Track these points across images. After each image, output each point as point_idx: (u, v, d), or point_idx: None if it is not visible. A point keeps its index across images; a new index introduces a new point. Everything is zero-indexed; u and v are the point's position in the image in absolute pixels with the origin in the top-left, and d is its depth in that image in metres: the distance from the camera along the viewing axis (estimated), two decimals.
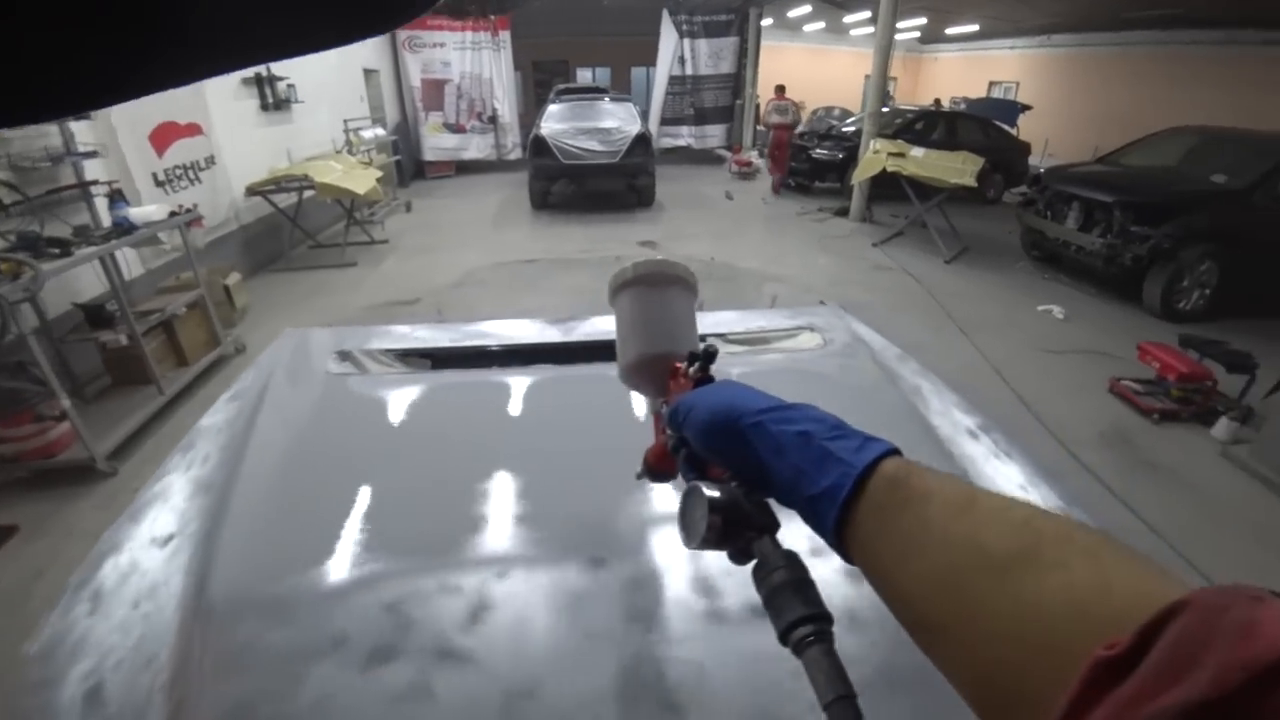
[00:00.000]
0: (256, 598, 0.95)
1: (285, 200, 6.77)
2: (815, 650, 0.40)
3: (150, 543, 1.10)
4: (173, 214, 4.21)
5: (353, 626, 0.89)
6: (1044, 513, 0.36)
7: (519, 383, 1.56)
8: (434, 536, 1.06)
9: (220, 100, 6.02)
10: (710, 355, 0.62)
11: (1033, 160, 11.19)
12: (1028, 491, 1.25)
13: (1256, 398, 3.87)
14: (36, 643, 0.93)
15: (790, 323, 1.98)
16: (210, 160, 5.80)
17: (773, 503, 0.49)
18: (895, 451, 0.44)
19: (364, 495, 1.17)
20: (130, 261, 4.58)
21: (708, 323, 2.03)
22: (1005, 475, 1.28)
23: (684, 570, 0.96)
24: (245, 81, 6.68)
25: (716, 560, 0.95)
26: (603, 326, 1.97)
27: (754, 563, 0.47)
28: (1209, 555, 2.82)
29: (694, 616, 0.89)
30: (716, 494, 0.48)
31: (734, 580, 0.93)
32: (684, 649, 0.85)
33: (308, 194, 6.64)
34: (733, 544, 0.48)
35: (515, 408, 1.46)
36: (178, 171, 5.32)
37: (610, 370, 1.61)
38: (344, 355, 1.73)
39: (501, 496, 1.16)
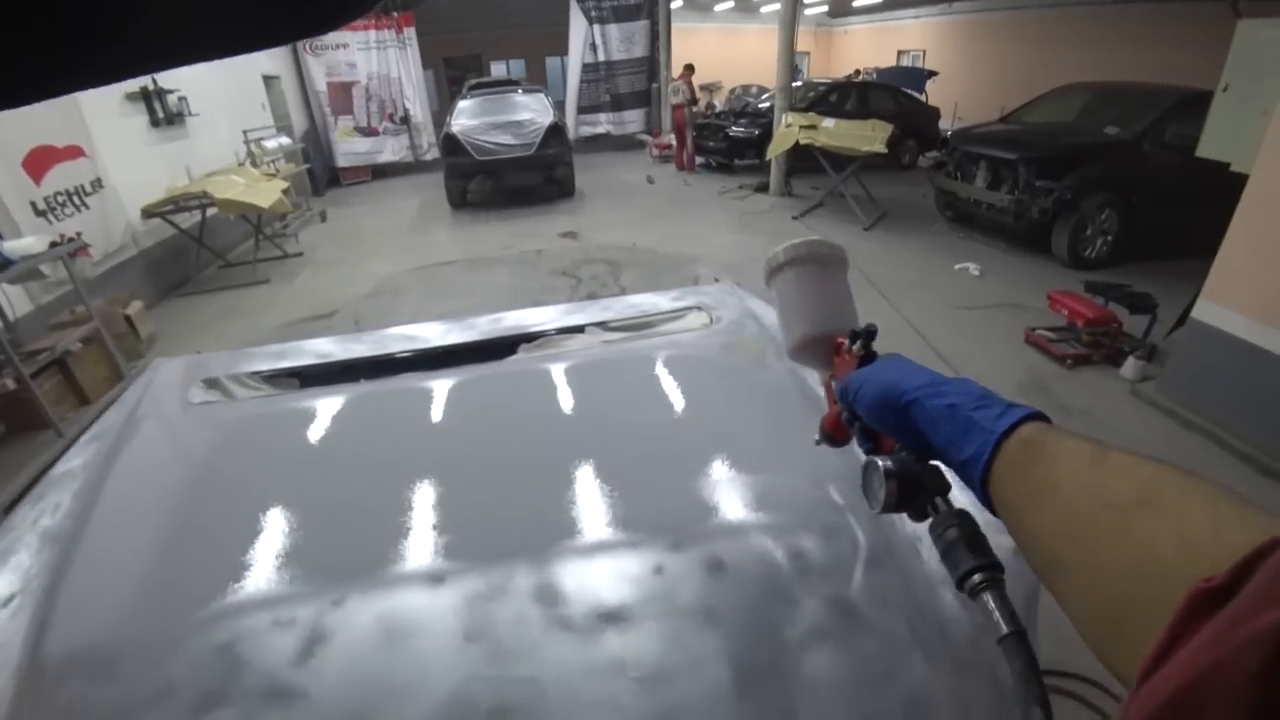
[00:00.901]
0: (85, 654, 0.88)
1: (187, 220, 6.42)
2: (988, 594, 0.45)
3: None
4: (54, 244, 3.93)
5: (180, 675, 0.83)
6: (1173, 467, 0.37)
7: (386, 393, 1.52)
8: (273, 569, 0.99)
9: (103, 119, 5.63)
10: (871, 334, 0.65)
11: (943, 124, 11.51)
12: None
13: (1159, 336, 4.08)
14: None
15: (677, 304, 1.95)
16: (97, 183, 5.43)
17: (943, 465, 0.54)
18: (1037, 415, 0.46)
19: (216, 531, 1.09)
20: (15, 299, 4.25)
21: (594, 311, 1.99)
22: None
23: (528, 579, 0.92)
24: (130, 97, 6.28)
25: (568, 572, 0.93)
26: (481, 326, 1.92)
27: (929, 520, 0.53)
28: None
29: (540, 629, 0.86)
30: (890, 464, 0.54)
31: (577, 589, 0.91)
32: (520, 666, 0.82)
33: (211, 212, 6.30)
34: (910, 506, 0.55)
35: (381, 420, 1.42)
36: (60, 198, 4.96)
37: (485, 370, 1.56)
38: (210, 383, 1.63)
39: (358, 513, 1.11)
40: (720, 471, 1.14)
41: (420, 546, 1.00)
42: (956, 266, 5.88)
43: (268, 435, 1.40)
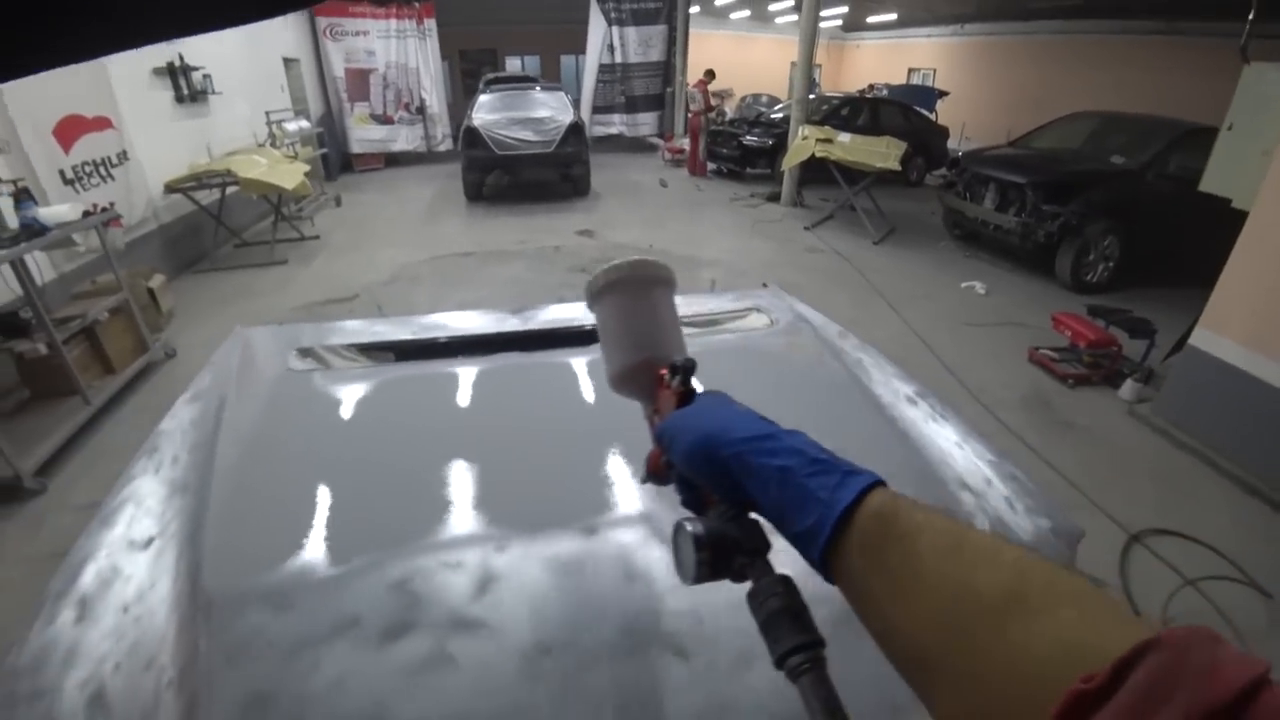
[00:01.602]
0: (256, 589, 0.96)
1: (207, 197, 6.48)
2: (808, 679, 0.41)
3: (129, 546, 1.09)
4: (87, 213, 3.99)
5: (361, 607, 0.92)
6: (1029, 554, 0.37)
7: (489, 370, 1.58)
8: (425, 519, 1.09)
9: (130, 92, 5.70)
10: (689, 369, 0.61)
11: (951, 143, 11.70)
12: (961, 449, 1.38)
13: (1157, 360, 4.23)
14: (22, 654, 0.91)
15: (738, 305, 2.07)
16: (123, 156, 5.50)
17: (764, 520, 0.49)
18: (880, 483, 0.44)
19: (347, 486, 1.19)
20: (41, 266, 4.32)
21: None
22: (942, 435, 1.41)
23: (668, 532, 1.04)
24: (158, 72, 6.35)
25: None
26: (562, 314, 2.01)
27: (749, 587, 0.47)
28: (1120, 503, 3.08)
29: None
30: (702, 530, 0.49)
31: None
32: (678, 600, 0.92)
33: (231, 190, 6.38)
34: (727, 573, 0.49)
35: (487, 395, 1.49)
36: (87, 168, 5.03)
37: (573, 356, 1.66)
38: (305, 351, 1.72)
39: (486, 479, 1.19)
40: None
41: (562, 505, 1.10)
42: (963, 284, 6.03)
43: (378, 402, 1.48)
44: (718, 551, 0.48)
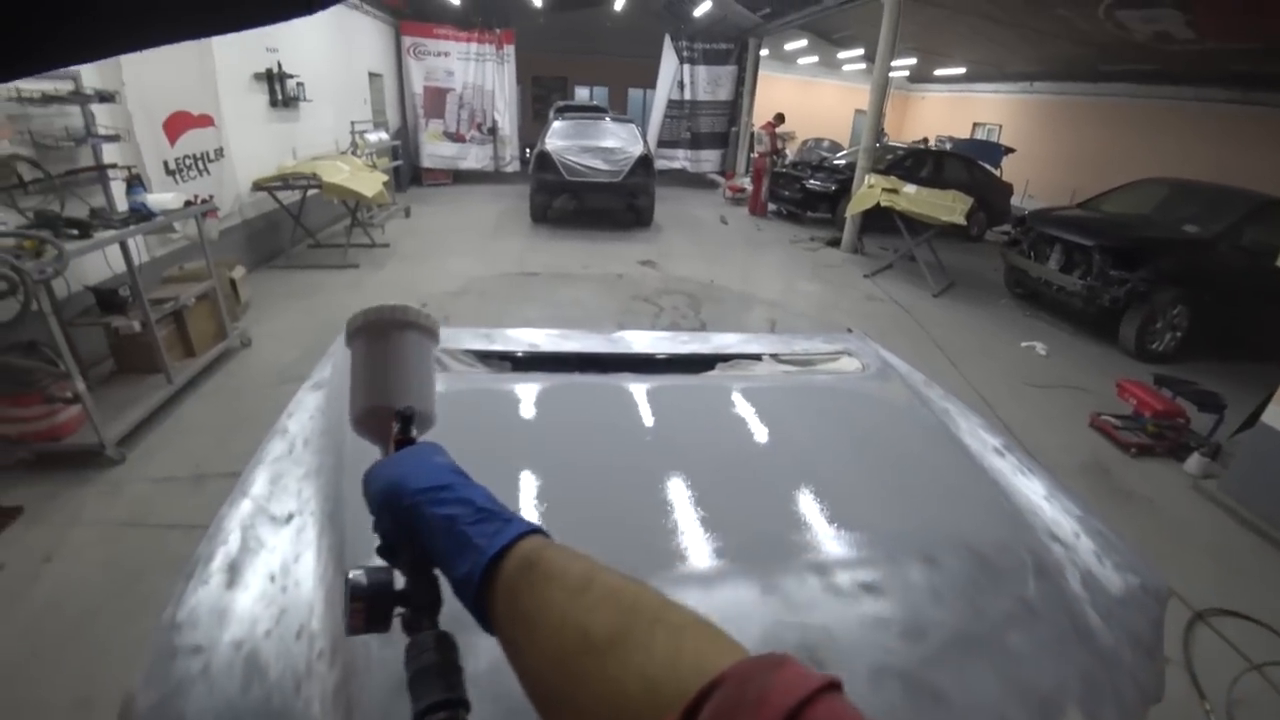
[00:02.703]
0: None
1: (289, 198, 6.80)
2: None
3: (271, 520, 1.15)
4: (188, 203, 4.24)
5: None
6: (652, 593, 0.38)
7: (601, 388, 1.59)
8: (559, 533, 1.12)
9: (232, 94, 6.07)
10: (409, 417, 0.61)
11: (1014, 200, 11.59)
12: (1050, 502, 1.40)
13: (1225, 435, 4.11)
14: (178, 611, 0.96)
15: (828, 347, 2.10)
16: (220, 152, 5.83)
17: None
18: (536, 531, 0.45)
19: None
20: (139, 248, 4.59)
21: (755, 343, 2.14)
22: (1030, 489, 1.43)
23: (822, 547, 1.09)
24: (257, 77, 6.74)
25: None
26: (652, 340, 2.07)
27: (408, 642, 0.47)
28: (1182, 579, 2.98)
29: (817, 594, 1.00)
30: (363, 580, 0.49)
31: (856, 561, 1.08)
32: (816, 616, 0.96)
33: (311, 193, 6.68)
34: (383, 626, 0.49)
35: (606, 412, 1.49)
36: (188, 161, 5.35)
37: (692, 381, 1.69)
38: None
39: (607, 494, 1.20)
40: (903, 495, 1.30)
41: (672, 533, 1.11)
42: (1023, 343, 5.94)
43: (483, 408, 1.50)
44: (373, 603, 0.48)
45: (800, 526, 1.14)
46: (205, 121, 5.63)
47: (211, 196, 4.59)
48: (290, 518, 1.15)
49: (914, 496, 1.30)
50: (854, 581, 1.03)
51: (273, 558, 1.06)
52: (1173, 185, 7.07)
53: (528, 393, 1.57)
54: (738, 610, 0.96)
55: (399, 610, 0.49)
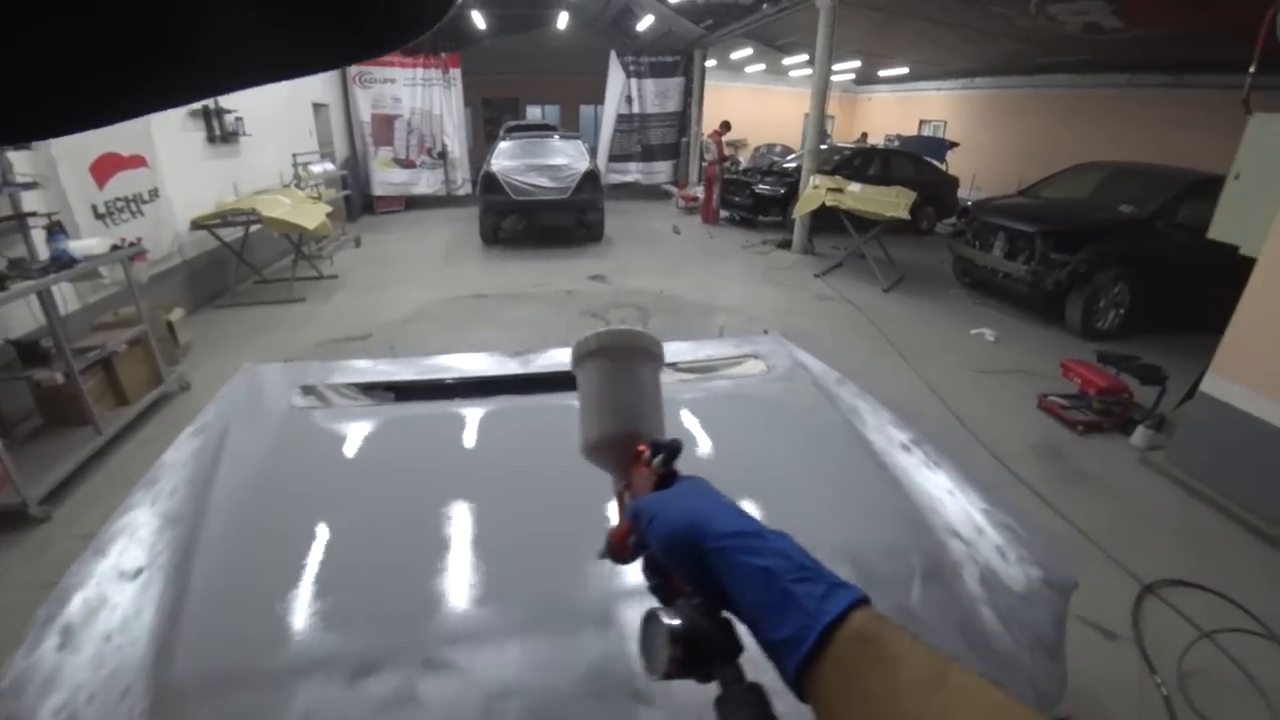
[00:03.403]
0: (235, 622, 0.97)
1: (231, 234, 6.66)
2: None
3: (119, 576, 1.10)
4: (115, 247, 4.12)
5: (336, 643, 0.92)
6: (1015, 702, 0.36)
7: (486, 413, 1.59)
8: (412, 559, 1.09)
9: (166, 132, 5.94)
10: (675, 451, 0.59)
11: (962, 193, 11.82)
12: (955, 495, 1.38)
13: (1168, 407, 4.18)
14: (3, 679, 0.92)
15: (736, 351, 2.09)
16: (154, 193, 5.70)
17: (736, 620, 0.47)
18: (865, 600, 0.42)
19: (332, 526, 1.20)
20: (66, 296, 4.45)
21: None
22: (934, 482, 1.41)
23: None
24: (192, 113, 6.62)
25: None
26: (561, 358, 2.04)
27: (718, 693, 0.46)
28: (1133, 553, 3.02)
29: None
30: (678, 623, 0.46)
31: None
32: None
33: (254, 228, 6.56)
34: (697, 673, 0.47)
35: (482, 437, 1.50)
36: (119, 204, 5.21)
37: (572, 399, 1.68)
38: (308, 389, 1.75)
39: (476, 519, 1.20)
40: (791, 499, 1.27)
41: (508, 562, 1.11)
42: (972, 331, 6.02)
43: (374, 442, 1.49)
44: (691, 649, 0.46)
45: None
46: (137, 162, 5.50)
47: (140, 239, 4.46)
48: (139, 572, 1.11)
49: (798, 504, 1.27)
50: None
51: (114, 615, 1.02)
52: (1109, 168, 7.23)
53: (406, 422, 1.56)
54: (560, 649, 0.93)
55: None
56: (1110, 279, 5.86)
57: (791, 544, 0.47)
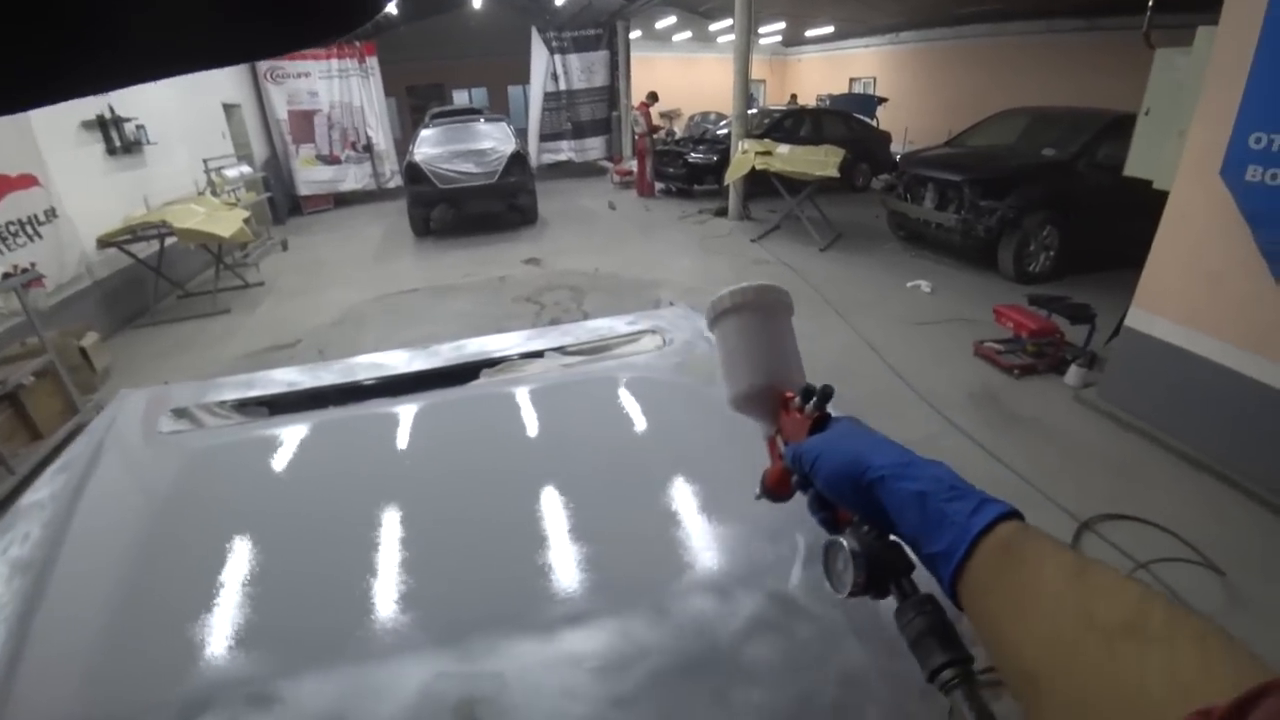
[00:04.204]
0: (69, 676, 0.91)
1: (145, 250, 6.31)
2: (959, 693, 0.44)
3: None
4: (6, 275, 3.86)
5: (166, 687, 0.87)
6: (1155, 593, 0.37)
7: (354, 420, 1.55)
8: (277, 584, 1.04)
9: (58, 147, 5.55)
10: (828, 395, 0.62)
11: (894, 148, 11.94)
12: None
13: (1099, 345, 4.29)
14: None
15: (633, 328, 2.03)
16: (51, 213, 5.33)
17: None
18: (1015, 513, 0.45)
19: (189, 557, 1.13)
20: None
21: (553, 336, 2.06)
22: None
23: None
24: (86, 125, 6.20)
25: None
26: (444, 353, 1.97)
27: (895, 605, 0.50)
28: (1072, 491, 3.09)
29: (498, 628, 0.93)
30: (857, 546, 0.52)
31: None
32: (489, 661, 0.87)
33: (170, 241, 6.22)
34: (876, 589, 0.51)
35: (350, 445, 1.46)
36: (12, 228, 4.87)
37: (450, 395, 1.63)
38: (180, 412, 1.65)
39: (331, 539, 1.15)
40: (676, 485, 1.24)
41: (392, 574, 1.06)
42: (909, 284, 6.09)
43: (238, 463, 1.42)
44: (873, 570, 0.51)
45: (509, 552, 1.08)
46: (28, 182, 5.14)
47: (34, 264, 4.18)
48: None
49: (679, 491, 1.23)
50: (554, 616, 0.94)
51: None
52: (1031, 114, 7.34)
53: (273, 439, 1.48)
54: (396, 664, 0.88)
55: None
56: (1038, 222, 5.98)
57: (944, 469, 0.50)
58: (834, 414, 0.63)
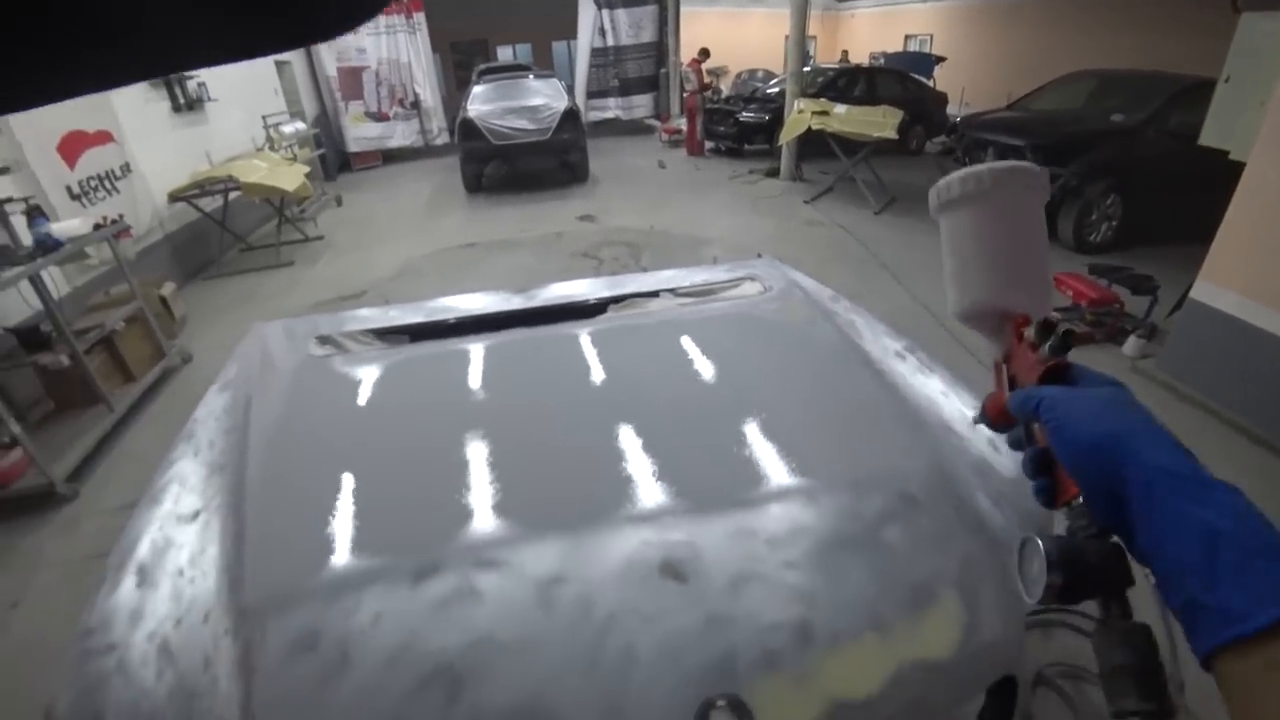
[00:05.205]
0: (294, 549, 1.08)
1: (211, 204, 6.55)
2: None
3: (178, 520, 1.20)
4: (98, 226, 4.08)
5: (392, 555, 1.03)
6: None
7: (497, 345, 1.68)
8: (440, 488, 1.19)
9: (128, 105, 5.77)
10: (1067, 344, 0.52)
11: (950, 109, 11.60)
12: (947, 396, 1.48)
13: (1160, 316, 4.25)
14: (91, 616, 1.01)
15: (732, 275, 2.15)
16: (126, 168, 5.58)
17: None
18: None
19: (366, 458, 1.29)
20: (55, 280, 4.41)
21: (658, 280, 2.18)
22: (930, 386, 1.51)
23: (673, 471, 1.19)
24: (153, 83, 6.40)
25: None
26: (563, 291, 2.11)
27: (1097, 621, 0.43)
28: None
29: (683, 510, 1.09)
30: (1054, 550, 0.43)
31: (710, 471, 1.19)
32: (680, 533, 1.03)
33: (234, 196, 6.45)
34: (1074, 602, 0.44)
35: (497, 368, 1.59)
36: (93, 183, 5.12)
37: (580, 328, 1.78)
38: (324, 339, 1.81)
39: (495, 446, 1.30)
40: (799, 408, 1.40)
41: (575, 469, 1.23)
42: None
43: (397, 381, 1.58)
44: (1071, 577, 0.43)
45: (679, 454, 1.24)
46: (104, 138, 5.36)
47: (121, 216, 4.40)
48: (196, 514, 1.21)
49: (805, 413, 1.38)
50: (727, 498, 1.12)
51: (181, 554, 1.12)
52: (1099, 76, 7.09)
53: (424, 360, 1.65)
54: (598, 544, 1.04)
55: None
56: (1102, 191, 5.83)
57: (1244, 501, 0.40)
58: (1080, 368, 0.52)
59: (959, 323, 0.63)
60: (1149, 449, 0.42)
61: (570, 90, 10.22)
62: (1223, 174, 3.58)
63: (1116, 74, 7.05)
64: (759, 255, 2.42)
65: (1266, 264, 3.29)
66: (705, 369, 1.55)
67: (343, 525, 1.11)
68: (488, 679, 0.86)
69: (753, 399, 1.41)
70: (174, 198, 6.15)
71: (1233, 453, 3.26)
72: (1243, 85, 3.71)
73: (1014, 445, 0.56)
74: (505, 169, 9.08)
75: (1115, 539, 0.44)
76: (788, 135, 8.21)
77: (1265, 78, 3.38)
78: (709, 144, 11.09)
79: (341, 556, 1.05)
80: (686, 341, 1.67)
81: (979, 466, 1.25)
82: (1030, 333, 0.53)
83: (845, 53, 17.52)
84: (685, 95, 10.97)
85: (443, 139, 12.44)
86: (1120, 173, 5.83)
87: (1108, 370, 2.00)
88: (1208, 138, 3.99)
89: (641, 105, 14.10)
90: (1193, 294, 3.70)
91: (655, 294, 2.04)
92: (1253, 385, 3.36)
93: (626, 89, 13.80)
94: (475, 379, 1.56)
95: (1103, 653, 0.41)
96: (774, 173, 9.13)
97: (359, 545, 1.07)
